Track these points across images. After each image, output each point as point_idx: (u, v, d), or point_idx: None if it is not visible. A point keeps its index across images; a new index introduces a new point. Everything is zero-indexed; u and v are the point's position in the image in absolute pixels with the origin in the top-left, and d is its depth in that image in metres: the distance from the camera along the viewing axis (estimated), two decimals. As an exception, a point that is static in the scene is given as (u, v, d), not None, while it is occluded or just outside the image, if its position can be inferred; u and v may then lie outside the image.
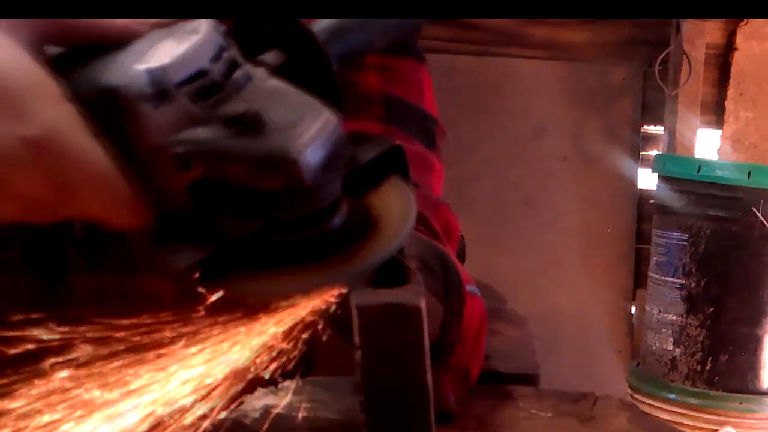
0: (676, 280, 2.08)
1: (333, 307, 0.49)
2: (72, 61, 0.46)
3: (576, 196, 2.59)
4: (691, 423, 2.04)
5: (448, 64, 2.49)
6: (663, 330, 2.12)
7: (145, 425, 0.46)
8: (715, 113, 2.52)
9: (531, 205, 2.58)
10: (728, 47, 2.50)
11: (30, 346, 0.47)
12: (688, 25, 2.40)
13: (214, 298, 0.46)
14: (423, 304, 0.47)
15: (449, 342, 0.68)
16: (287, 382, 0.69)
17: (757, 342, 2.07)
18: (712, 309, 2.05)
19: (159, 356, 0.47)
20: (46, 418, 0.45)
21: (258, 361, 0.49)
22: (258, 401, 0.65)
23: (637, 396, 2.16)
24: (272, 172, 0.44)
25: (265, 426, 0.61)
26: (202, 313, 0.47)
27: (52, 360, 0.46)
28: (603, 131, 2.57)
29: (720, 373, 2.06)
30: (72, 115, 0.44)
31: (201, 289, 0.46)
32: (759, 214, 1.98)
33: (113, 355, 0.47)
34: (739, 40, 2.48)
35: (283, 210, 0.46)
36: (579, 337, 2.60)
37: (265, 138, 0.44)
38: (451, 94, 2.42)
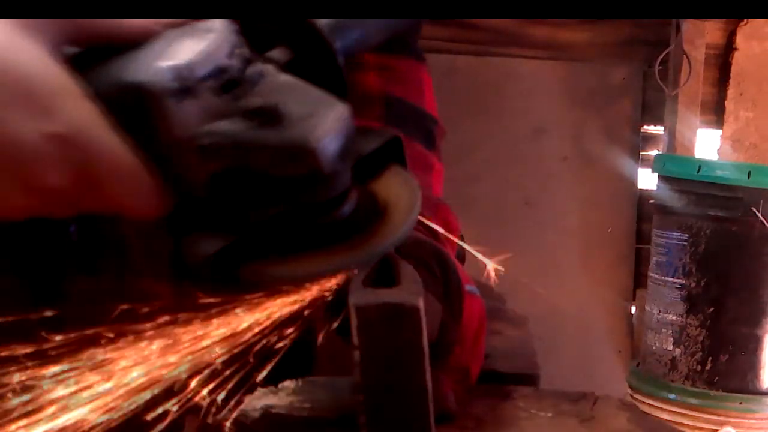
0: (676, 280, 2.08)
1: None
2: (87, 61, 0.49)
3: (576, 196, 2.59)
4: (691, 423, 2.04)
5: (448, 64, 2.49)
6: (663, 330, 2.12)
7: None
8: (715, 113, 2.52)
9: (531, 205, 2.58)
10: (728, 47, 2.50)
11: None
12: (688, 25, 2.40)
13: (237, 282, 0.49)
14: (421, 304, 0.47)
15: (448, 342, 0.68)
16: (287, 382, 0.69)
17: (757, 342, 2.06)
18: (712, 309, 2.05)
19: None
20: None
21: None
22: (258, 401, 0.65)
23: (637, 396, 2.16)
24: (293, 161, 0.47)
25: (265, 426, 0.61)
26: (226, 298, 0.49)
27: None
28: (603, 131, 2.57)
29: (720, 373, 2.06)
30: (94, 112, 0.47)
31: (222, 276, 0.49)
32: (759, 214, 1.98)
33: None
34: (739, 40, 2.48)
35: (301, 197, 0.49)
36: (579, 337, 2.60)
37: (285, 129, 0.47)
38: (451, 94, 2.42)
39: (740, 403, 2.03)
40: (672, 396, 2.08)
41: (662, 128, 2.52)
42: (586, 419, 0.69)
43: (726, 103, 2.50)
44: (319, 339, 0.54)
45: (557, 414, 0.70)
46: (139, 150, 0.47)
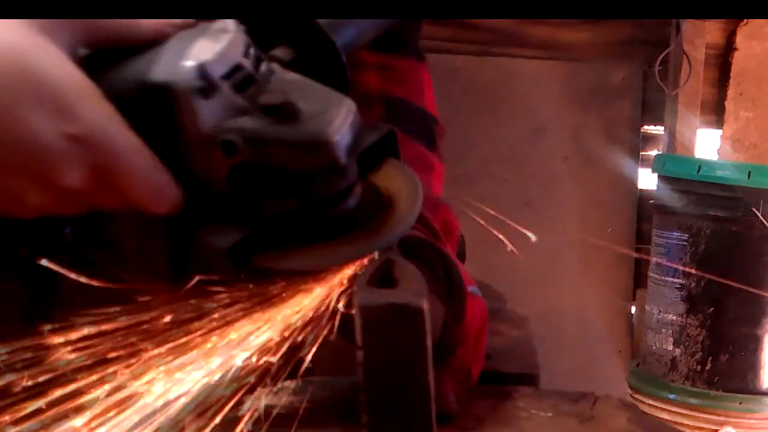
0: (676, 280, 2.08)
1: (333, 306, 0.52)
2: (99, 63, 0.50)
3: (576, 196, 2.59)
4: (691, 423, 2.04)
5: (448, 64, 2.49)
6: (663, 330, 2.12)
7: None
8: (715, 113, 2.52)
9: (531, 205, 2.58)
10: (728, 47, 2.50)
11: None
12: (688, 25, 2.40)
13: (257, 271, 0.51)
14: (426, 305, 0.47)
15: (451, 343, 0.68)
16: (287, 382, 0.69)
17: (757, 342, 2.06)
18: (712, 309, 2.05)
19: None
20: None
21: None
22: (258, 401, 0.65)
23: (637, 396, 2.16)
24: (312, 154, 0.49)
25: (265, 426, 0.61)
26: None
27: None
28: (603, 131, 2.57)
29: (720, 373, 2.06)
30: (112, 113, 0.48)
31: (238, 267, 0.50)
32: (759, 214, 1.98)
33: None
34: (739, 40, 2.48)
35: (318, 189, 0.51)
36: (579, 337, 2.60)
37: (302, 124, 0.49)
38: (451, 94, 2.42)
39: (740, 403, 2.03)
40: (672, 396, 2.08)
41: (662, 128, 2.52)
42: (586, 419, 0.69)
43: (726, 103, 2.50)
44: (320, 339, 0.54)
45: (557, 414, 0.70)
46: (157, 147, 0.49)
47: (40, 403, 0.47)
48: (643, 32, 2.55)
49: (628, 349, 2.61)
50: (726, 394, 2.04)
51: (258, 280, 0.51)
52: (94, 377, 0.49)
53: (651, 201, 2.24)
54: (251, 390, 0.53)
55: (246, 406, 0.64)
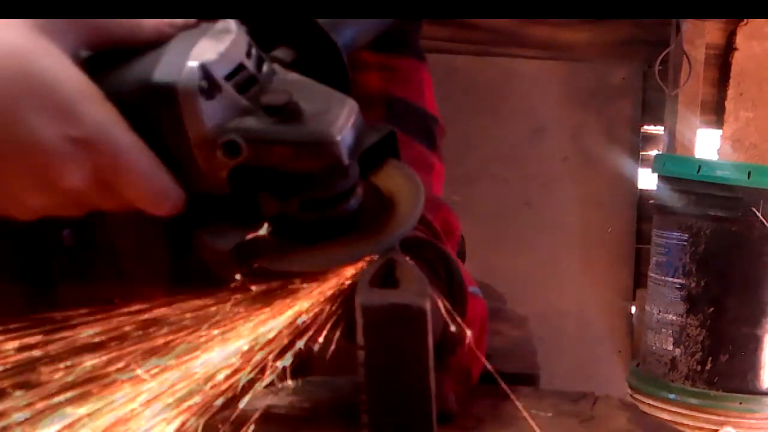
0: (676, 280, 2.08)
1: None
2: (100, 64, 0.50)
3: (576, 196, 2.59)
4: (691, 423, 2.04)
5: (448, 64, 2.49)
6: (663, 330, 2.12)
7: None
8: (715, 113, 2.52)
9: (531, 205, 2.58)
10: (728, 47, 2.50)
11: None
12: (688, 25, 2.40)
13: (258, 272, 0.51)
14: (428, 305, 0.47)
15: (451, 343, 0.68)
16: (287, 382, 0.69)
17: (757, 342, 2.06)
18: (712, 309, 2.05)
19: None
20: None
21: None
22: (258, 401, 0.65)
23: (637, 396, 2.16)
24: (315, 154, 0.49)
25: (265, 425, 0.61)
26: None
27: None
28: (603, 131, 2.57)
29: (720, 373, 2.06)
30: (114, 114, 0.48)
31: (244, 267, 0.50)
32: (759, 214, 1.98)
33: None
34: (739, 40, 2.48)
35: (319, 189, 0.51)
36: (579, 337, 2.60)
37: (304, 124, 0.49)
38: (451, 94, 2.42)
39: (740, 403, 2.03)
40: (672, 396, 2.08)
41: (662, 128, 2.52)
42: (586, 419, 0.69)
43: (726, 103, 2.50)
44: (320, 339, 0.54)
45: (557, 414, 0.70)
46: (158, 148, 0.49)
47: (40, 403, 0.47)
48: (643, 32, 2.55)
49: (628, 349, 2.61)
50: (726, 394, 2.04)
51: (259, 282, 0.51)
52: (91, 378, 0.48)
53: (651, 201, 2.24)
54: (252, 390, 0.53)
55: (246, 406, 0.64)
